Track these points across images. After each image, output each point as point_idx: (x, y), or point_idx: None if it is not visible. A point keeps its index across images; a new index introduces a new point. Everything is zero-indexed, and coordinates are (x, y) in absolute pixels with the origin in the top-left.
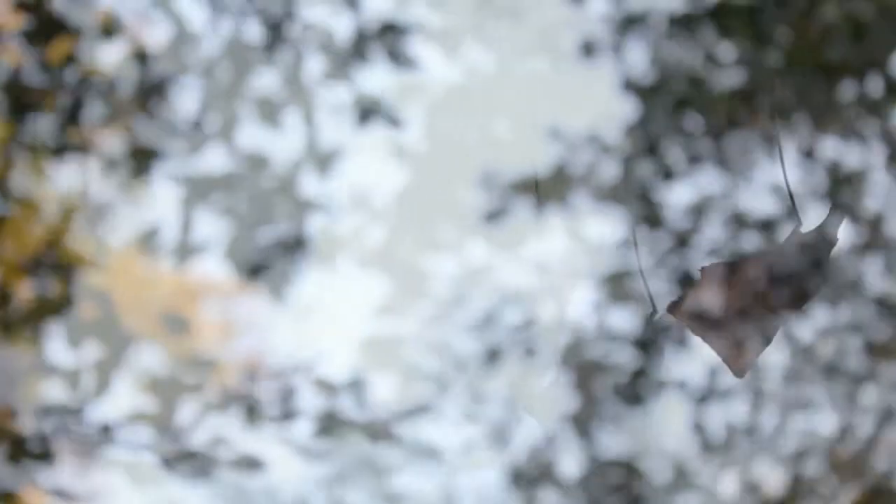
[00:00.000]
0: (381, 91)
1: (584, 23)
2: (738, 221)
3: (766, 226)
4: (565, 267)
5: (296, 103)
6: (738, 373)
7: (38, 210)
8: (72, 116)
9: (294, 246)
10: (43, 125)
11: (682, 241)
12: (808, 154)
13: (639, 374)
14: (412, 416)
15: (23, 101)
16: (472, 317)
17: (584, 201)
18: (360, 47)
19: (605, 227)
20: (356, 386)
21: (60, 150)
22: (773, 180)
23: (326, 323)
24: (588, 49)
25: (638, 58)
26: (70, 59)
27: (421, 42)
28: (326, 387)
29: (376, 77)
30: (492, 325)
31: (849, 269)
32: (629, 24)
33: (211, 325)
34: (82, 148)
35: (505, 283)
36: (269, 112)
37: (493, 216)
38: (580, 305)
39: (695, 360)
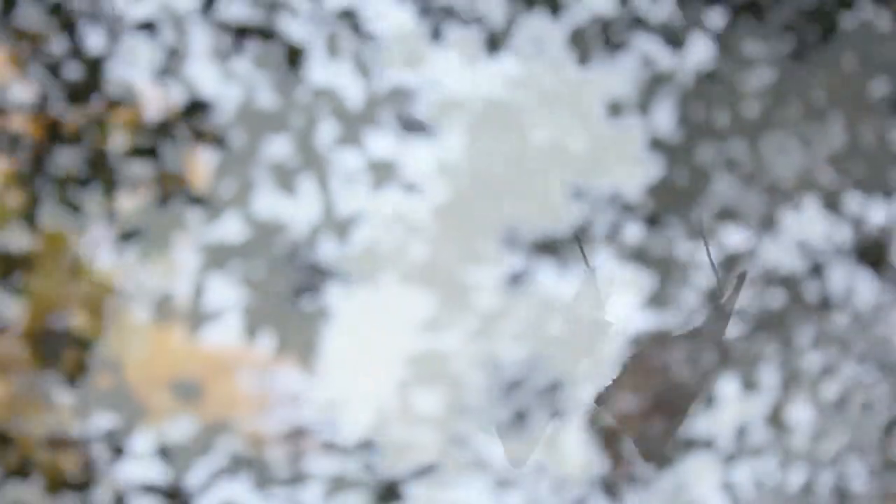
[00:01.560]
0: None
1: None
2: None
3: (790, 283)
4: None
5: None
6: (657, 465)
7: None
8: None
9: (317, 314)
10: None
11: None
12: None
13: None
14: (421, 476)
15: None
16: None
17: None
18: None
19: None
20: (366, 447)
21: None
22: (799, 237)
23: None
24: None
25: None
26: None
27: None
28: (336, 449)
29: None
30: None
31: (878, 325)
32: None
33: (235, 395)
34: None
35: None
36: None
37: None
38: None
39: (721, 418)
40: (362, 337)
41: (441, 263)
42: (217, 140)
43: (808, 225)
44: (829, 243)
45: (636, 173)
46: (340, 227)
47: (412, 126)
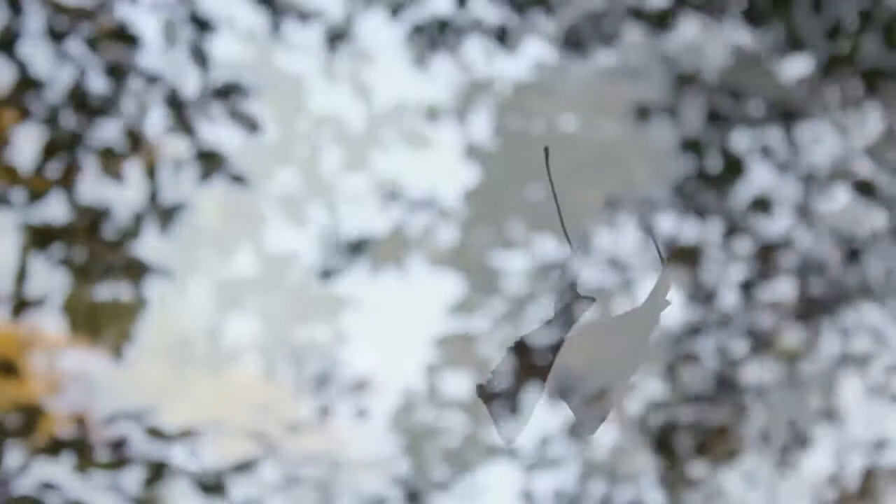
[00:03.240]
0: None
1: None
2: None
3: (601, 295)
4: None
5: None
6: (587, 431)
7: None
8: None
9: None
10: None
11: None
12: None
13: (469, 440)
14: (241, 471)
15: None
16: None
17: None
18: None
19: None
20: (189, 436)
21: None
22: (609, 253)
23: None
24: None
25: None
26: None
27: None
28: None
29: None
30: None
31: (683, 344)
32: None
33: (53, 378)
34: None
35: None
36: (112, 165)
37: None
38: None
39: (526, 427)
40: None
41: None
42: (47, 120)
43: None
44: None
45: (451, 178)
46: (164, 215)
47: (242, 120)
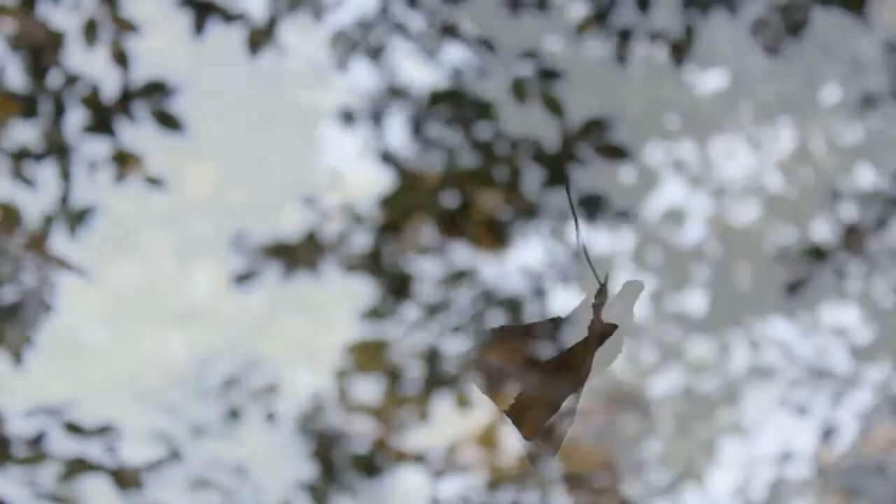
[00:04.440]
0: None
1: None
2: (487, 298)
3: (513, 304)
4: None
5: None
6: (528, 436)
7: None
8: None
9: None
10: None
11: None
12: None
13: (378, 445)
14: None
15: None
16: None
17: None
18: None
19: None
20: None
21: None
22: (521, 261)
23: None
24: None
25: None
26: None
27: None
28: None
29: None
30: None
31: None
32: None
33: None
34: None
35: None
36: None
37: None
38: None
39: (435, 433)
40: None
41: None
42: None
43: None
44: None
45: (366, 185)
46: (74, 218)
47: (165, 121)
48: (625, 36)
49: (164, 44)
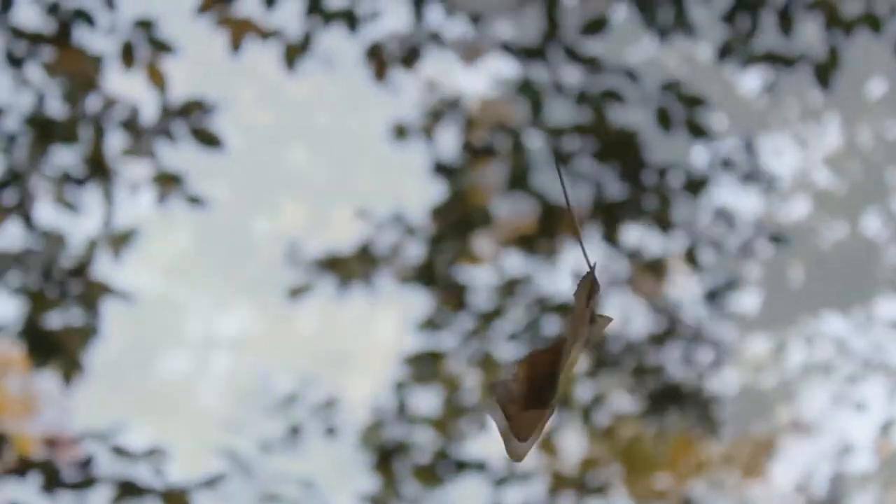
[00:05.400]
0: None
1: None
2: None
3: (567, 310)
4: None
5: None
6: (517, 457)
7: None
8: None
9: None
10: None
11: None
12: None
13: (439, 455)
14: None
15: None
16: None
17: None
18: None
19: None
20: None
21: None
22: (576, 267)
23: None
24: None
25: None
26: None
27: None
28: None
29: None
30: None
31: (648, 355)
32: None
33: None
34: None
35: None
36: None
37: None
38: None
39: (494, 442)
40: None
41: None
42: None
43: None
44: None
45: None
46: (116, 241)
47: (205, 139)
48: (771, 60)
49: (203, 63)
